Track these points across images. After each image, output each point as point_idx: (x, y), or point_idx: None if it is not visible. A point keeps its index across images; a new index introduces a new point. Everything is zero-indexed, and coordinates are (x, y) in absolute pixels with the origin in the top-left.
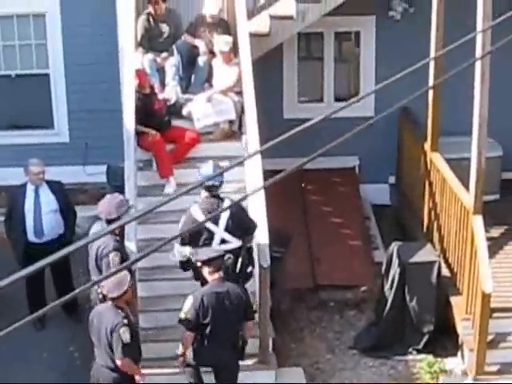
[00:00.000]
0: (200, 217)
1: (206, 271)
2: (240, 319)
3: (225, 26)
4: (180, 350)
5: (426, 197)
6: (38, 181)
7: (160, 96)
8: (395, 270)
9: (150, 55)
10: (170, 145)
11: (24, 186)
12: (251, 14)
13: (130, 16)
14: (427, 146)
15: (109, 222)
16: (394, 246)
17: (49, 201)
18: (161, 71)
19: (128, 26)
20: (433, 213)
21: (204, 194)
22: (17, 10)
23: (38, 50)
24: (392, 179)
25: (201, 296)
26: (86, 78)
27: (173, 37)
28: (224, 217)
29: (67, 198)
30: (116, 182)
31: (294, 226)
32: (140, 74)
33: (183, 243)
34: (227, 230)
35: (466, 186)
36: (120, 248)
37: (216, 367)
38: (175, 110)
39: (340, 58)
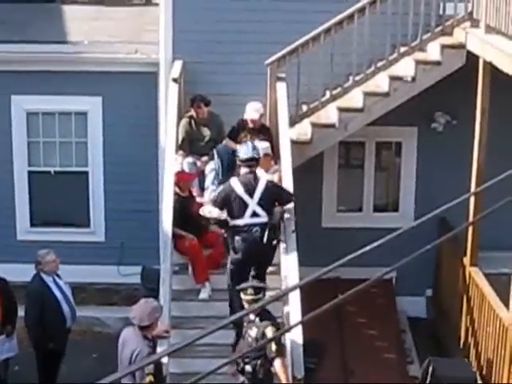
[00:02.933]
0: (238, 188)
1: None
2: None
3: (266, 132)
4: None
5: (464, 312)
6: (55, 268)
7: (198, 200)
8: None
9: (190, 158)
10: (207, 249)
11: (39, 279)
12: (293, 122)
13: (172, 118)
14: (466, 260)
15: (141, 328)
16: (430, 361)
17: (67, 287)
18: (201, 175)
19: (170, 128)
20: (470, 328)
21: (244, 170)
22: (59, 108)
23: (78, 147)
24: (429, 292)
25: None
26: (124, 177)
27: (214, 141)
28: (259, 191)
29: None
30: (150, 284)
31: (328, 337)
32: (180, 176)
33: (215, 206)
34: (260, 203)
35: (505, 303)
36: (153, 354)
37: None
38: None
39: (380, 167)
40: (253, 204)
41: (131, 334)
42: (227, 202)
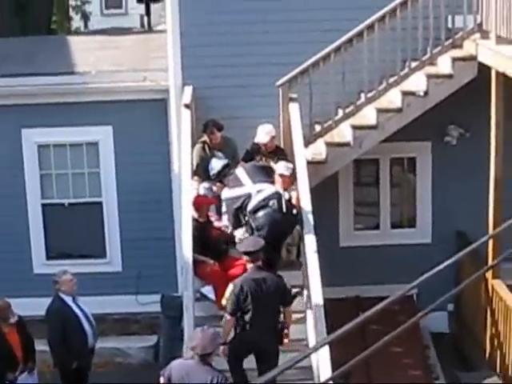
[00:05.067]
0: (233, 193)
1: (245, 258)
2: (277, 305)
3: (281, 153)
4: (222, 339)
5: (488, 324)
6: (74, 287)
7: (216, 224)
8: None
9: (206, 184)
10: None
11: (58, 298)
12: (307, 142)
13: (186, 144)
14: (488, 273)
15: (202, 356)
16: (458, 376)
17: (86, 307)
18: (217, 200)
19: (185, 154)
20: (496, 341)
21: (225, 180)
22: (70, 139)
23: (91, 178)
24: (450, 307)
25: (240, 283)
26: (138, 206)
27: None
28: (244, 177)
29: None
30: (171, 312)
31: (353, 356)
32: (201, 200)
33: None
34: (255, 181)
35: None
36: None
37: (257, 351)
38: (232, 238)
39: (395, 183)
40: (251, 188)
41: (193, 365)
42: (237, 213)
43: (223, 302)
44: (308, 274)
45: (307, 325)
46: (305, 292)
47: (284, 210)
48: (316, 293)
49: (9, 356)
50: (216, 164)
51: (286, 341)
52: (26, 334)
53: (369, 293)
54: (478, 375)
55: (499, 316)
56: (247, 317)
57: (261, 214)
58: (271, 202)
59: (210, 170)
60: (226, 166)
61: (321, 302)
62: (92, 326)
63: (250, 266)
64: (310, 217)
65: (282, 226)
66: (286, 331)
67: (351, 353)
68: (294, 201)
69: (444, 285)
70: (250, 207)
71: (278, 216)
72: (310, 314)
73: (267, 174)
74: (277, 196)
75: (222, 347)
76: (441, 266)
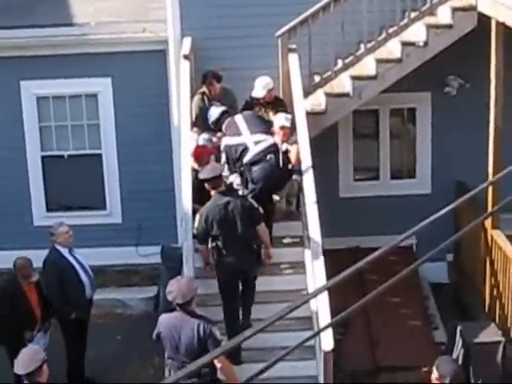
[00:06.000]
0: (230, 141)
1: (206, 186)
2: (246, 225)
3: (280, 104)
4: (204, 262)
5: (488, 275)
6: (69, 239)
7: None
8: (459, 351)
9: (206, 135)
10: None
11: (54, 250)
12: (307, 93)
13: (185, 95)
14: (487, 223)
15: (183, 305)
16: (457, 326)
17: (83, 259)
18: (216, 151)
19: (184, 105)
20: (495, 291)
21: (223, 127)
22: (69, 91)
23: (91, 130)
24: (450, 257)
25: (205, 211)
26: (138, 158)
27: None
28: (242, 125)
29: None
30: (171, 263)
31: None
32: (201, 150)
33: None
34: (253, 132)
35: None
36: None
37: (238, 272)
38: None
39: (395, 134)
40: (248, 139)
41: (178, 317)
42: (234, 160)
43: (194, 231)
44: (308, 224)
45: (307, 275)
46: (305, 241)
47: (281, 164)
48: (316, 243)
49: (28, 315)
50: (214, 111)
51: (270, 261)
52: (43, 295)
53: (368, 243)
54: (477, 325)
55: (498, 266)
56: (219, 243)
57: (257, 167)
58: (268, 156)
59: (208, 117)
60: (224, 113)
61: (320, 252)
62: (89, 276)
63: (212, 192)
64: (310, 167)
65: (277, 180)
66: (266, 251)
67: (350, 304)
68: (293, 155)
69: (443, 235)
70: (246, 159)
71: (274, 170)
72: (309, 264)
73: (265, 125)
74: (274, 149)
75: (207, 267)
76: (439, 213)
